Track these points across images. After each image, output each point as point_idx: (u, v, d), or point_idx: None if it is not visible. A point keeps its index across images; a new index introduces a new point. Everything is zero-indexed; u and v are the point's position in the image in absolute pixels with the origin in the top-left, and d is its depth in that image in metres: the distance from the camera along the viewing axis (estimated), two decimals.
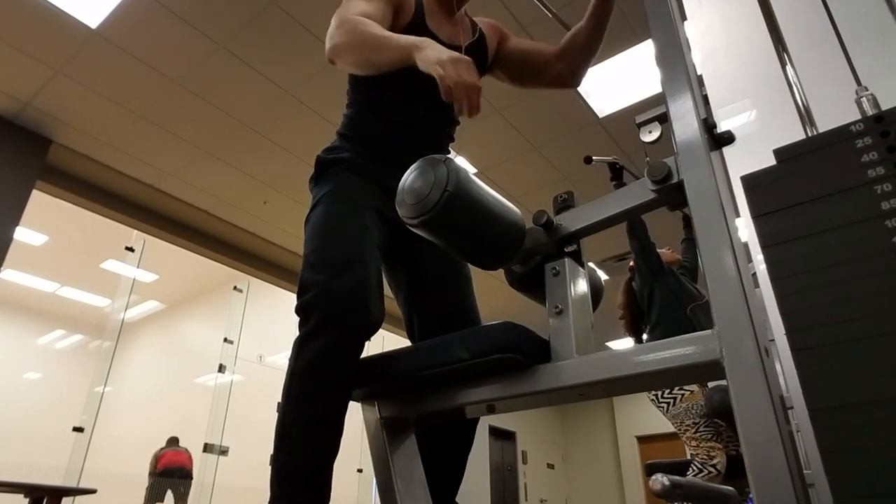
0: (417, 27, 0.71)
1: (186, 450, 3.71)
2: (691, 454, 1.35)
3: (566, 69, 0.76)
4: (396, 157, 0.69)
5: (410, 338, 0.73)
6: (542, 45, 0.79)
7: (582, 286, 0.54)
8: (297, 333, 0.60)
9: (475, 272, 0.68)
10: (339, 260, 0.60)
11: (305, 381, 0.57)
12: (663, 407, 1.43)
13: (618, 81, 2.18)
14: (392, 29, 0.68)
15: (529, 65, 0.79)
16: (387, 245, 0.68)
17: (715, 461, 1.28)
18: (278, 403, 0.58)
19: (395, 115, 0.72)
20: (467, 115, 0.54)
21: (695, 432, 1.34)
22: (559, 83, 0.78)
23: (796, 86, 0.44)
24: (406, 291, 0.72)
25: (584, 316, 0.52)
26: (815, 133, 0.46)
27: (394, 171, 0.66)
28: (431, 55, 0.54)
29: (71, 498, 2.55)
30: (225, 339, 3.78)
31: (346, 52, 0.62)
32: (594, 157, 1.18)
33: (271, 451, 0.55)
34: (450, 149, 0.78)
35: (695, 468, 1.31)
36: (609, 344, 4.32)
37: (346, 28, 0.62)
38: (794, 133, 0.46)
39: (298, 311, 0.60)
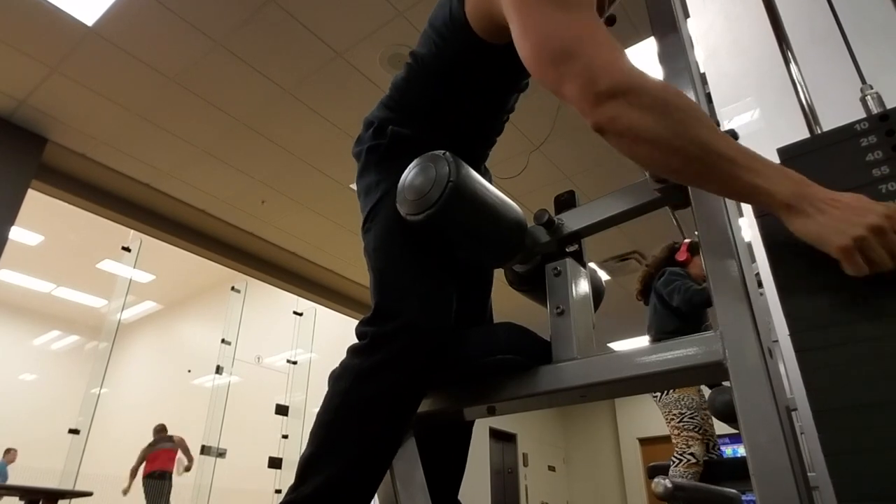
0: None
1: (174, 441, 3.57)
2: (674, 444, 1.39)
3: None
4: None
5: None
6: None
7: (583, 286, 0.53)
8: (352, 358, 0.51)
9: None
10: (428, 288, 0.51)
11: (360, 418, 0.48)
12: (657, 395, 1.46)
13: None
14: None
15: None
16: None
17: (692, 450, 1.33)
18: (313, 430, 0.49)
19: (458, 128, 0.60)
20: None
21: (679, 422, 1.40)
22: None
23: (800, 84, 0.44)
24: None
25: (585, 317, 0.51)
26: (819, 131, 0.45)
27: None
28: (838, 222, 0.30)
29: (67, 500, 2.53)
30: (222, 340, 3.76)
31: (656, 146, 0.34)
32: None
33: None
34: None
35: (674, 460, 1.35)
36: (611, 345, 4.31)
37: (668, 105, 0.35)
38: (798, 132, 0.45)
39: (365, 336, 0.51)
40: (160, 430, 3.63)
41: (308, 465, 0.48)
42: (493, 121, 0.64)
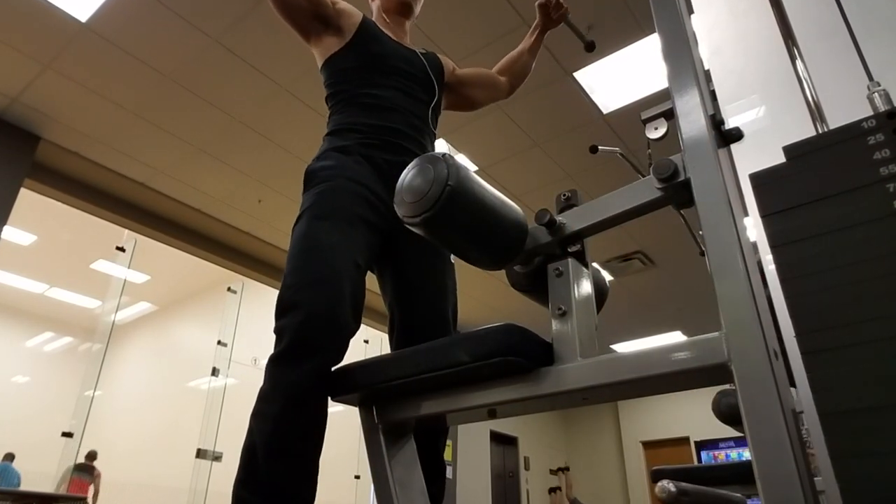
0: (368, 26, 0.82)
1: (93, 476, 3.51)
2: None
3: (510, 83, 0.97)
4: (379, 137, 0.73)
5: (390, 340, 0.74)
6: (482, 68, 0.96)
7: (586, 287, 0.52)
8: (272, 354, 0.60)
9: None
10: (313, 280, 0.61)
11: (272, 404, 0.57)
12: None
13: (622, 76, 2.15)
14: (340, 28, 0.79)
15: (481, 84, 0.95)
16: (373, 252, 0.69)
17: None
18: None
19: (368, 99, 0.77)
20: None
21: None
22: (502, 95, 0.97)
23: (806, 81, 0.43)
24: (391, 297, 0.74)
25: (588, 318, 0.51)
26: (825, 129, 0.45)
27: (382, 157, 0.72)
28: None
29: None
30: (218, 342, 3.73)
31: None
32: (600, 147, 1.21)
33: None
34: (433, 131, 0.83)
35: None
36: (614, 347, 4.32)
37: None
38: (804, 129, 0.45)
39: (275, 332, 0.60)
40: (89, 457, 3.56)
41: (242, 455, 0.56)
42: (386, 113, 0.77)
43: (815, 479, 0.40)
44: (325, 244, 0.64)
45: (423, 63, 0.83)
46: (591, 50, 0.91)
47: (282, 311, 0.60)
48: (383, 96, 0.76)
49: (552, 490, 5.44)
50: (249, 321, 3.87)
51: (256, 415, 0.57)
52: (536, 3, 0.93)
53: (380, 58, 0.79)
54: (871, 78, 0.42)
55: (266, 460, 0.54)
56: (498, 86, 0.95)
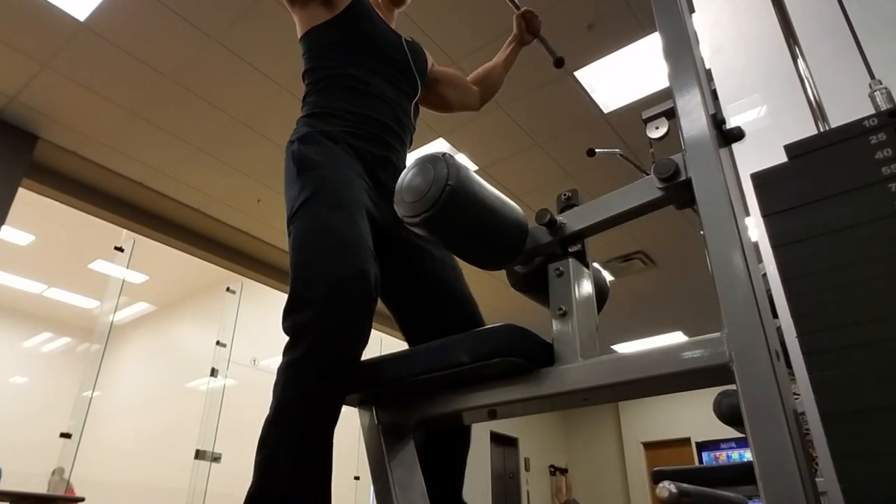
0: (360, 4, 0.77)
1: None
2: None
3: (481, 94, 0.94)
4: (365, 129, 0.69)
5: (408, 340, 0.70)
6: (457, 71, 0.94)
7: (587, 287, 0.52)
8: (284, 355, 0.54)
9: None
10: (338, 276, 0.55)
11: (297, 411, 0.52)
12: None
13: (623, 76, 2.15)
14: (333, 6, 0.73)
15: (456, 85, 0.91)
16: (373, 245, 0.65)
17: None
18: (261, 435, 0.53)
19: (355, 84, 0.71)
20: None
21: None
22: (473, 105, 0.95)
23: (808, 80, 0.43)
24: (395, 293, 0.69)
25: (588, 318, 0.51)
26: (827, 128, 0.44)
27: (368, 149, 0.69)
28: None
29: None
30: (217, 342, 3.72)
31: None
32: (597, 150, 1.20)
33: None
34: (413, 123, 0.80)
35: None
36: (614, 347, 4.32)
37: None
38: (806, 129, 0.45)
39: (289, 330, 0.55)
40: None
41: (259, 467, 0.52)
42: (371, 100, 0.72)
43: (817, 479, 0.40)
44: (348, 235, 0.58)
45: (408, 53, 0.78)
46: (560, 66, 0.91)
47: (299, 305, 0.54)
48: (370, 82, 0.70)
49: (561, 472, 5.39)
50: (248, 321, 3.86)
51: (277, 424, 0.52)
52: (520, 13, 0.90)
53: (370, 39, 0.73)
54: (872, 76, 0.42)
55: (292, 472, 0.49)
56: (470, 92, 0.92)
